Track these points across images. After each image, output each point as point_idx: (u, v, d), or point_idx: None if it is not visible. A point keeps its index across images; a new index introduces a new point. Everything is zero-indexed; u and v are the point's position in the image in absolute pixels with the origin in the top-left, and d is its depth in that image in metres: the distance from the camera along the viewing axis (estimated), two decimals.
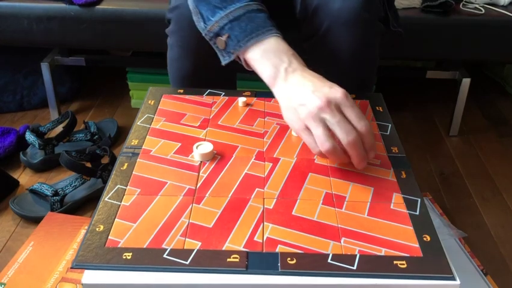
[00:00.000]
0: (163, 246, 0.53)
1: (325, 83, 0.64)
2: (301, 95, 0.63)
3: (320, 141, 0.61)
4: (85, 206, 1.11)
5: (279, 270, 0.51)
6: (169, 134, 0.73)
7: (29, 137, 1.23)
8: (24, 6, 1.23)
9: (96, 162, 1.16)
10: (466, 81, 1.35)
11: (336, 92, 0.62)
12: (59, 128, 1.29)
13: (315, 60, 0.83)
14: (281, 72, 0.67)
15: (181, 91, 0.84)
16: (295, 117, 0.63)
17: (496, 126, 1.48)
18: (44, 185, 1.09)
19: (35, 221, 1.05)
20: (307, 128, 0.62)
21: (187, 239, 0.54)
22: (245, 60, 0.72)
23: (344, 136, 0.60)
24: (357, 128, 0.61)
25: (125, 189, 0.62)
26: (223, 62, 0.74)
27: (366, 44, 0.82)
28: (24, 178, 1.20)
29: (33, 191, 1.10)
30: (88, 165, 1.14)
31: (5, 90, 1.47)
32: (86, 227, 1.01)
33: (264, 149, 0.70)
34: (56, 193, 1.07)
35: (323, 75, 0.68)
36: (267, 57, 0.68)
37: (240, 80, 1.43)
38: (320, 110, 0.61)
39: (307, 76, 0.65)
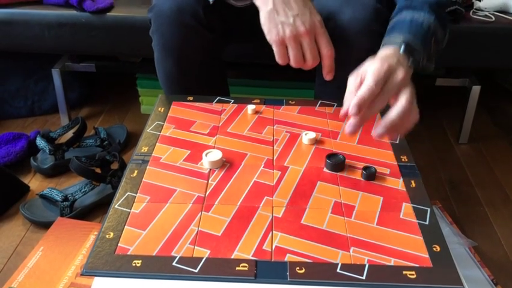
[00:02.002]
0: (172, 254, 0.54)
1: (307, 8, 0.75)
2: (288, 15, 0.75)
3: (294, 60, 0.77)
4: (94, 211, 1.12)
5: (288, 279, 0.51)
6: (178, 141, 0.73)
7: (40, 142, 1.24)
8: (36, 13, 1.24)
9: (106, 168, 1.17)
10: (476, 89, 1.34)
11: (315, 19, 0.75)
12: (70, 134, 1.30)
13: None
14: None
15: (191, 98, 0.85)
16: (276, 31, 0.75)
17: (506, 134, 1.47)
18: (54, 191, 1.10)
19: (45, 226, 1.05)
20: (283, 43, 0.76)
21: (196, 247, 0.54)
22: None
23: (310, 60, 0.76)
24: (322, 53, 0.77)
25: (135, 196, 0.62)
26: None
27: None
28: (35, 183, 1.21)
29: (43, 196, 1.11)
30: (98, 171, 1.15)
31: (16, 95, 1.48)
32: (96, 233, 1.01)
33: (274, 157, 0.70)
34: (65, 198, 1.08)
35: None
36: None
37: (248, 86, 1.45)
38: (302, 35, 0.75)
39: None
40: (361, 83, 0.67)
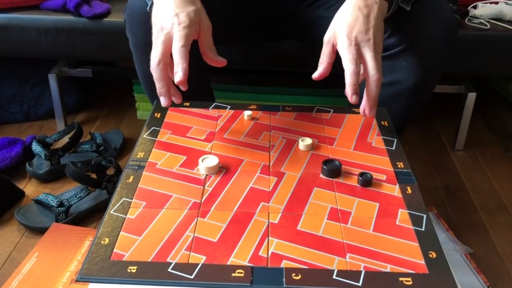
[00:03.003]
0: (168, 260, 0.53)
1: (176, 7, 0.69)
2: (155, 18, 0.71)
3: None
4: (89, 217, 1.11)
5: (284, 285, 0.50)
6: (175, 147, 0.73)
7: (35, 147, 1.24)
8: (33, 18, 1.24)
9: (101, 173, 1.17)
10: (472, 96, 1.35)
11: (177, 19, 0.68)
12: (65, 139, 1.29)
13: (386, 70, 0.86)
14: None
15: (187, 104, 0.85)
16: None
17: (501, 141, 1.48)
18: (50, 196, 1.10)
19: (40, 231, 1.05)
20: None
21: (192, 253, 0.54)
22: None
23: (152, 54, 0.70)
24: (172, 51, 0.69)
25: (131, 202, 0.62)
26: (148, 7, 0.80)
27: (443, 63, 0.87)
28: (30, 188, 1.21)
29: (38, 202, 1.10)
30: (94, 176, 1.15)
31: (12, 100, 1.48)
32: (91, 238, 1.01)
33: (271, 163, 0.70)
34: (61, 204, 1.07)
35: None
36: None
37: (246, 92, 1.45)
38: (157, 35, 0.70)
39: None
40: (333, 49, 0.72)
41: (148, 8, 0.80)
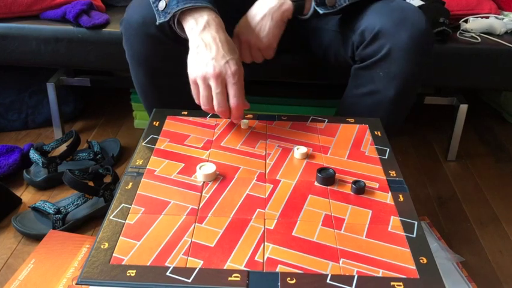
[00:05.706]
0: (166, 264, 0.55)
1: (225, 54, 0.76)
2: (205, 56, 0.76)
3: (202, 101, 0.78)
4: (86, 224, 1.12)
5: None
6: (173, 154, 0.75)
7: (33, 155, 1.25)
8: (33, 28, 1.26)
9: (98, 181, 1.18)
10: (464, 107, 1.38)
11: (229, 68, 0.76)
12: (63, 147, 1.30)
13: (366, 80, 0.88)
14: (199, 25, 0.78)
15: (185, 113, 0.86)
16: (192, 69, 0.78)
17: (493, 152, 1.50)
18: (47, 203, 1.10)
19: (37, 238, 1.06)
20: (196, 83, 0.78)
21: (189, 258, 0.56)
22: (177, 23, 0.81)
23: (216, 106, 0.77)
24: (230, 103, 0.77)
25: (130, 208, 0.63)
26: (158, 21, 0.82)
27: (420, 72, 0.88)
28: (27, 196, 1.21)
29: (35, 209, 1.11)
30: (91, 184, 1.16)
31: (11, 108, 1.49)
32: (88, 245, 1.01)
33: (267, 171, 0.71)
34: (58, 211, 1.08)
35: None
36: (193, 17, 0.79)
37: None
38: (209, 77, 0.76)
39: (216, 38, 0.77)
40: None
41: (157, 22, 0.82)
